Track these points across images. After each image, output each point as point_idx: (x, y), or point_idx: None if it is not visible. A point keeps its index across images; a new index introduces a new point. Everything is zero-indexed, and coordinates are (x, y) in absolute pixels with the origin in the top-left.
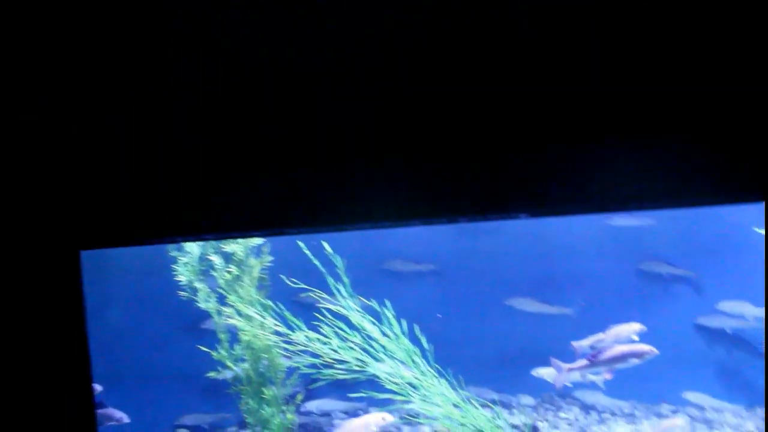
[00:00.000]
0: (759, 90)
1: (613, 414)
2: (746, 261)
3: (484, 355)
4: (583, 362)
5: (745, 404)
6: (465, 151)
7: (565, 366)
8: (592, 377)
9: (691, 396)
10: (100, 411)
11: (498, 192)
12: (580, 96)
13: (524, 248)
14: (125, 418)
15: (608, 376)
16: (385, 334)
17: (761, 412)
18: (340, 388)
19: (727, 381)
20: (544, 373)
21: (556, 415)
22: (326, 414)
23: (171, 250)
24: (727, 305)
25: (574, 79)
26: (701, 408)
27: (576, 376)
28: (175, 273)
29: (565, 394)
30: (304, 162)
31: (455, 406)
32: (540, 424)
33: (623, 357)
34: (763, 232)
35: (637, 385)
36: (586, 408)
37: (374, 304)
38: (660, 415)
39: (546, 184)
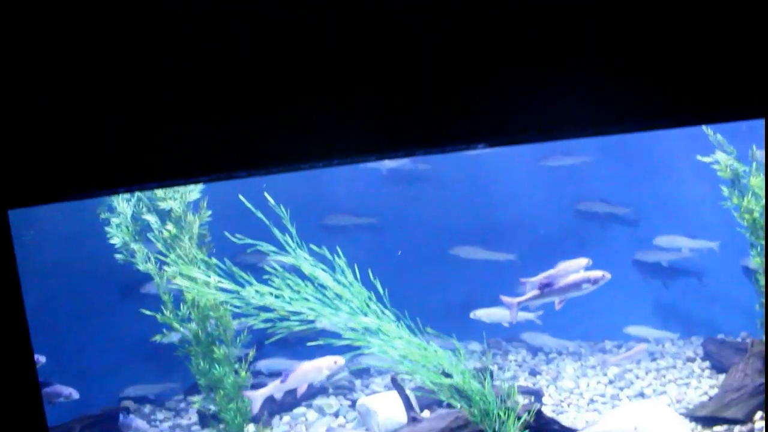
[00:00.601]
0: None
1: (560, 353)
2: (684, 192)
3: (429, 305)
4: (534, 292)
5: (682, 333)
6: (419, 83)
7: (515, 300)
8: (527, 315)
9: (633, 330)
10: (47, 389)
11: (454, 123)
12: (531, 21)
13: (462, 196)
14: (74, 394)
15: (558, 306)
16: (339, 282)
17: (696, 340)
18: (289, 347)
19: (665, 313)
20: (482, 314)
21: (505, 359)
22: (275, 374)
23: (102, 211)
24: (663, 240)
25: (524, 4)
26: (643, 341)
27: (522, 315)
28: (108, 236)
29: (512, 337)
30: (255, 101)
31: (415, 348)
32: (492, 368)
33: (577, 284)
34: (706, 160)
35: (581, 324)
36: (533, 350)
37: (325, 251)
38: (605, 351)
39: (502, 113)
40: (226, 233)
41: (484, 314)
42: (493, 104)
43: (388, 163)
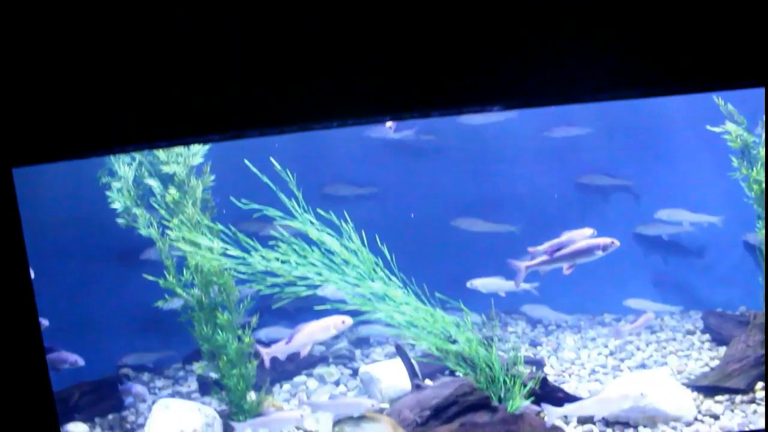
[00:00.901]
0: None
1: (559, 326)
2: (687, 166)
3: (429, 276)
4: (544, 257)
5: (681, 306)
6: (436, 44)
7: (522, 264)
8: (524, 286)
9: (632, 303)
10: (52, 355)
11: (471, 85)
12: None
13: (465, 167)
14: (80, 361)
15: (567, 271)
16: (347, 248)
17: (695, 313)
18: (288, 317)
19: (664, 286)
20: (479, 284)
21: (504, 330)
22: (275, 342)
23: (102, 176)
24: (664, 213)
25: None
26: (643, 313)
27: (525, 286)
28: (109, 200)
29: (511, 309)
30: (269, 62)
31: (422, 314)
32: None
33: (588, 250)
34: (717, 130)
35: (580, 297)
36: (533, 322)
37: (332, 216)
38: (604, 324)
39: (518, 76)
40: (232, 198)
41: (480, 284)
42: (510, 67)
43: (391, 134)
